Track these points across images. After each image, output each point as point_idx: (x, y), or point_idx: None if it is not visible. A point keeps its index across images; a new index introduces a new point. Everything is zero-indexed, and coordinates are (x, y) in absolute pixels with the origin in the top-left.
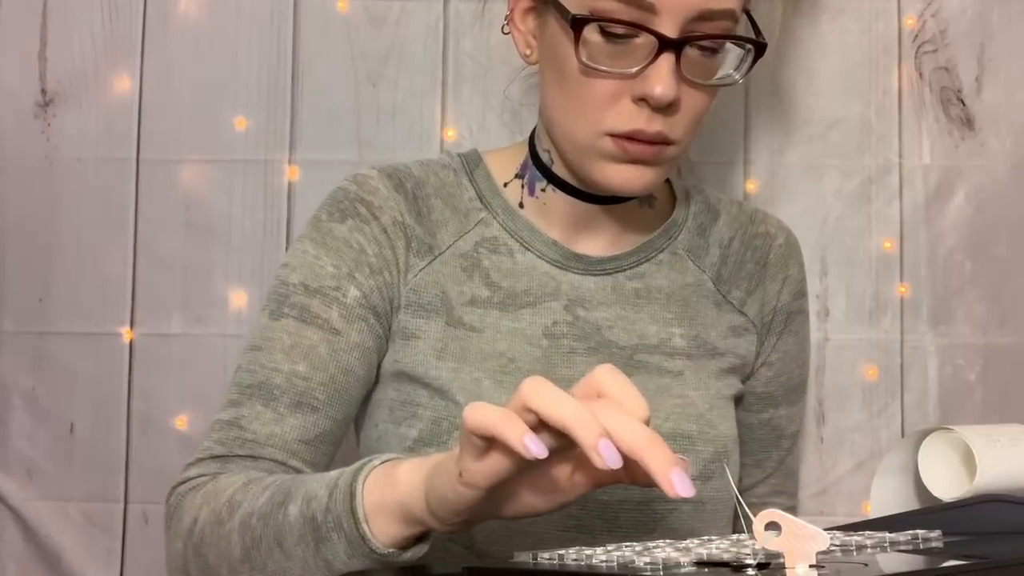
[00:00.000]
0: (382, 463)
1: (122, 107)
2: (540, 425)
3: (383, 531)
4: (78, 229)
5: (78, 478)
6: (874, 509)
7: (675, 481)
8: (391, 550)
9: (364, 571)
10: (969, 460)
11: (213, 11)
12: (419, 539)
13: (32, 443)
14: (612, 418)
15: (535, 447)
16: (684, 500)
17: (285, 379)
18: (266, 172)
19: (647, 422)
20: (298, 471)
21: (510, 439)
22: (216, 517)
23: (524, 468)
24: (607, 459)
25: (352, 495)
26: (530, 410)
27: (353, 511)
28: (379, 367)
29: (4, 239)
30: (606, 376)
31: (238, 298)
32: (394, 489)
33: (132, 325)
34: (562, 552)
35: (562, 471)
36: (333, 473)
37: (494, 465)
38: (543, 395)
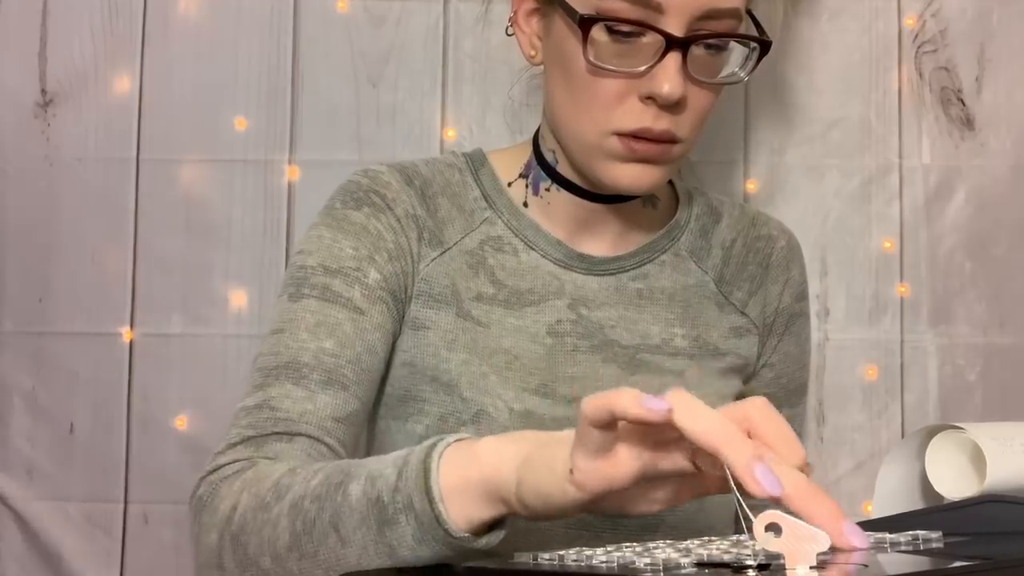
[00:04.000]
0: (457, 440)
1: (122, 107)
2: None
3: (460, 512)
4: (78, 229)
5: (78, 478)
6: (877, 503)
7: (848, 536)
8: (466, 534)
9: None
10: (977, 459)
11: (213, 11)
12: (494, 524)
13: (32, 443)
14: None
15: (656, 404)
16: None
17: (313, 356)
18: (266, 172)
19: (803, 467)
20: (333, 451)
21: (627, 407)
22: (260, 502)
23: (640, 480)
24: (767, 487)
25: (427, 472)
26: (674, 427)
27: (428, 489)
28: None
29: (4, 239)
30: (760, 413)
31: (238, 298)
32: (476, 466)
33: (132, 325)
34: (562, 552)
35: (673, 483)
36: (399, 452)
37: (613, 470)
38: (690, 411)
